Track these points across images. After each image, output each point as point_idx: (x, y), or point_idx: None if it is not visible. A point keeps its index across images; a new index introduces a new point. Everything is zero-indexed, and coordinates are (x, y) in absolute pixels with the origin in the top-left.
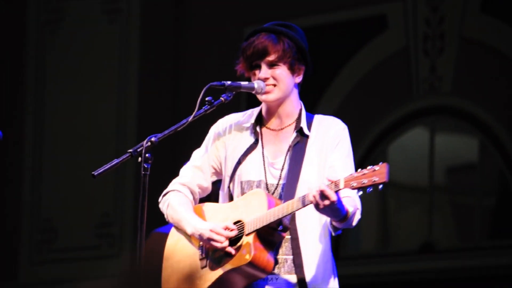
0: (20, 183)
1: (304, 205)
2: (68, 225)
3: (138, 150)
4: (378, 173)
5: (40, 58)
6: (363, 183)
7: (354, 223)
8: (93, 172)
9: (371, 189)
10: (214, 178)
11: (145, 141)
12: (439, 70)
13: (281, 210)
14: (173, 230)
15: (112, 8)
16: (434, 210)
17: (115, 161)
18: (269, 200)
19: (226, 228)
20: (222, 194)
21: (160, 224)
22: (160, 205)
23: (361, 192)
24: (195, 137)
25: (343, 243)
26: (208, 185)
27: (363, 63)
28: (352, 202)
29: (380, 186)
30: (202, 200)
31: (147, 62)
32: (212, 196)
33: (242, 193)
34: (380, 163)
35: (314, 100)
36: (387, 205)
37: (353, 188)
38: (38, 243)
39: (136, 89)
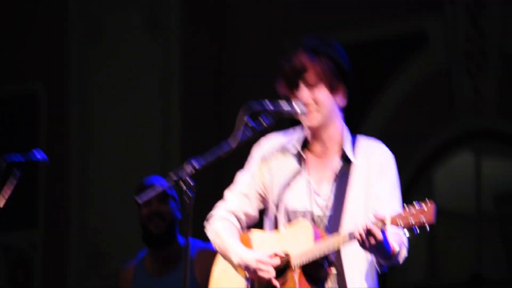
0: (68, 207)
1: (350, 242)
2: (116, 250)
3: (183, 177)
4: (426, 213)
5: (83, 73)
6: (411, 223)
7: (401, 261)
8: (137, 199)
9: (418, 230)
10: (262, 206)
11: (188, 167)
12: (482, 90)
13: (327, 246)
14: (220, 258)
15: (153, 24)
16: (483, 240)
17: (160, 188)
18: (315, 234)
19: (274, 255)
20: (268, 220)
21: None
22: (207, 231)
23: (407, 233)
24: (237, 156)
25: (390, 273)
26: (255, 213)
27: (402, 83)
28: (398, 239)
29: (428, 228)
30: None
31: (189, 78)
32: None
33: (288, 222)
34: (428, 203)
35: (355, 123)
36: (435, 234)
37: (399, 227)
38: (86, 268)
39: (179, 106)
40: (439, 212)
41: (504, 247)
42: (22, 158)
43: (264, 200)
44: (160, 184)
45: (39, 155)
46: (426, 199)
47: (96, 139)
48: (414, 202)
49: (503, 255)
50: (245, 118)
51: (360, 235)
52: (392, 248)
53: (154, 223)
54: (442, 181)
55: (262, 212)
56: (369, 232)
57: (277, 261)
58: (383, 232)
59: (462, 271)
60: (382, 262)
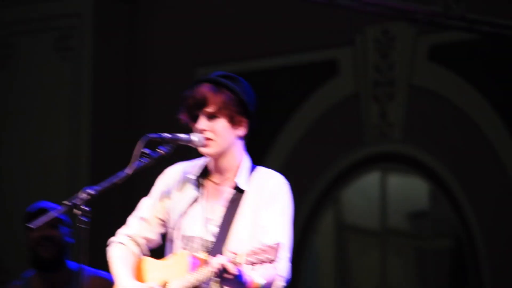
0: None
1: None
2: (18, 266)
3: (76, 202)
4: (272, 250)
5: None
6: (259, 259)
7: None
8: (29, 225)
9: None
10: (163, 230)
11: (82, 193)
12: (389, 116)
13: (197, 276)
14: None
15: (64, 46)
16: (388, 256)
17: (52, 213)
18: (193, 262)
19: None
20: (168, 245)
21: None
22: (107, 254)
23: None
24: (146, 183)
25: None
26: (156, 237)
27: (314, 108)
28: (270, 270)
29: (272, 264)
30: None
31: (99, 101)
32: None
33: (184, 248)
34: (277, 242)
35: (265, 147)
36: (344, 249)
37: (251, 264)
38: None
39: (89, 129)
40: (349, 228)
41: (410, 261)
42: None
43: (165, 224)
44: (52, 209)
45: None
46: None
47: (4, 161)
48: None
49: (410, 268)
50: (142, 148)
51: (217, 269)
52: (251, 283)
53: (44, 247)
54: (350, 200)
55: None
56: (223, 269)
57: None
58: (238, 268)
59: (370, 284)
60: None
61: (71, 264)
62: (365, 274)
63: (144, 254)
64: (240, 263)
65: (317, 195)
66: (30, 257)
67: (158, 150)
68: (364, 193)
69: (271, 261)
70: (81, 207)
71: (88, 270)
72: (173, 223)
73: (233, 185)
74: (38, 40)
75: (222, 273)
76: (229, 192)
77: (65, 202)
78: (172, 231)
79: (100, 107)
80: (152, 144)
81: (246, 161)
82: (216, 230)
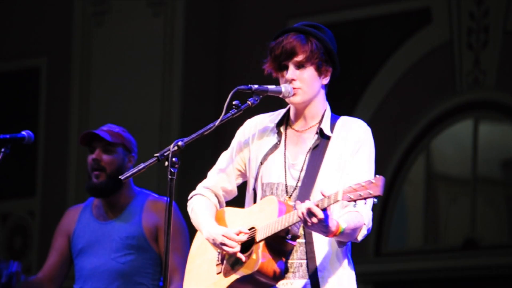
0: (65, 176)
1: (297, 220)
2: None
3: (165, 154)
4: (374, 185)
5: (86, 51)
6: (360, 196)
7: (359, 238)
8: (120, 177)
9: (369, 205)
10: (240, 181)
11: (171, 146)
12: (483, 64)
13: (287, 219)
14: (198, 233)
15: (157, 1)
16: (479, 204)
17: (142, 166)
18: (280, 208)
19: (239, 233)
20: (248, 195)
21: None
22: (188, 209)
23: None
24: (229, 139)
25: (386, 239)
26: (232, 188)
27: (407, 57)
28: (355, 218)
29: (375, 200)
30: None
31: (191, 56)
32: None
33: (264, 195)
34: (377, 176)
35: (357, 95)
36: (434, 199)
37: (350, 200)
38: None
39: (180, 83)
40: (439, 177)
41: (500, 212)
42: (6, 136)
43: (243, 175)
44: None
45: (24, 132)
46: (376, 175)
47: (96, 115)
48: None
49: (499, 219)
50: (231, 99)
51: (303, 213)
52: (336, 227)
53: (94, 173)
54: (441, 148)
55: (243, 187)
56: (309, 212)
57: (242, 237)
58: (325, 211)
59: (459, 236)
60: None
61: (136, 189)
62: (455, 223)
63: (221, 206)
64: (325, 207)
65: (408, 144)
66: (86, 184)
67: (248, 102)
68: (455, 142)
69: (374, 197)
70: (171, 159)
71: (149, 194)
72: (253, 172)
73: (317, 132)
74: None
75: (309, 217)
76: (313, 139)
77: (156, 154)
78: (252, 180)
79: (191, 60)
80: (242, 96)
81: (328, 109)
82: (298, 175)
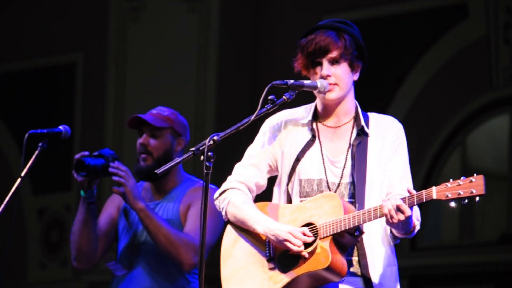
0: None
1: (380, 216)
2: None
3: (201, 148)
4: (475, 184)
5: (122, 47)
6: (459, 194)
7: (413, 234)
8: (156, 171)
9: (467, 201)
10: (269, 175)
11: (207, 140)
12: None
13: (361, 216)
14: (229, 228)
15: None
16: None
17: (177, 159)
18: (344, 205)
19: (303, 233)
20: (278, 191)
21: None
22: (217, 203)
23: (453, 204)
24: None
25: (421, 233)
26: (264, 182)
27: (443, 52)
28: (415, 214)
29: (477, 199)
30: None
31: (226, 51)
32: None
33: (301, 191)
34: (475, 175)
35: (393, 90)
36: None
37: (447, 199)
38: None
39: (215, 79)
40: (475, 172)
41: None
42: (44, 130)
43: (272, 170)
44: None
45: (61, 127)
46: (475, 174)
47: (131, 111)
48: (462, 177)
49: None
50: (267, 94)
51: (390, 210)
52: (413, 224)
53: (141, 157)
54: (477, 143)
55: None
56: (398, 209)
57: (309, 239)
58: (411, 208)
59: (494, 231)
60: (400, 236)
61: (185, 175)
62: (491, 218)
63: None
64: (430, 199)
65: (444, 139)
66: (134, 167)
67: (283, 97)
68: (491, 137)
69: (477, 196)
70: (207, 153)
71: (197, 181)
72: (287, 168)
73: (353, 128)
74: None
75: (396, 214)
76: (351, 135)
77: (191, 148)
78: (285, 176)
79: (226, 56)
80: (277, 91)
81: (358, 105)
82: (340, 172)
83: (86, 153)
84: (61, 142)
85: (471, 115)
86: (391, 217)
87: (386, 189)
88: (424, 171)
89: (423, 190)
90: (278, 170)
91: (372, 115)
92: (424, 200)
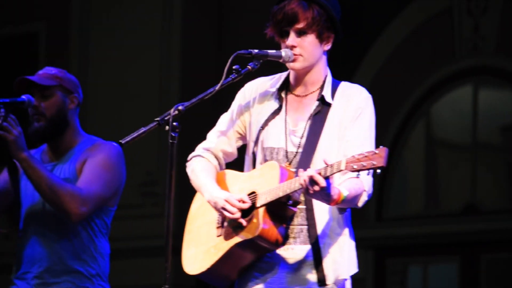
0: None
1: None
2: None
3: (166, 118)
4: (377, 156)
5: (85, 16)
6: (363, 166)
7: (359, 204)
8: (120, 141)
9: (370, 173)
10: (240, 143)
11: (172, 110)
12: (482, 30)
13: (289, 185)
14: (198, 194)
15: None
16: (478, 169)
17: (142, 129)
18: (282, 173)
19: (241, 200)
20: (247, 159)
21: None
22: (187, 169)
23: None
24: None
25: (386, 204)
26: (233, 150)
27: (406, 23)
28: (355, 185)
29: (378, 171)
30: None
31: (190, 20)
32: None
33: (264, 159)
34: (380, 147)
35: (357, 60)
36: (434, 165)
37: (353, 170)
38: None
39: (179, 48)
40: (439, 143)
41: (499, 177)
42: (7, 100)
43: (243, 138)
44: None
45: (24, 96)
46: (380, 146)
47: (95, 80)
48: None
49: (498, 184)
50: (231, 64)
51: (304, 181)
52: (338, 195)
53: (34, 117)
54: (441, 114)
55: (243, 150)
56: (311, 180)
57: (243, 205)
58: (327, 179)
59: (459, 201)
60: (323, 202)
61: (84, 135)
62: (455, 189)
63: (221, 168)
64: (328, 175)
65: (408, 109)
66: (28, 130)
67: (248, 67)
68: (455, 107)
69: (377, 168)
70: (171, 123)
71: (97, 140)
72: (253, 136)
73: (318, 98)
74: None
75: (311, 185)
76: (313, 105)
77: (156, 118)
78: (252, 144)
79: (190, 24)
80: (242, 60)
81: (329, 75)
82: (298, 141)
83: None
84: (24, 111)
85: (435, 86)
86: (307, 188)
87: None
88: (389, 142)
89: (335, 161)
90: (246, 137)
91: (342, 84)
92: (335, 172)
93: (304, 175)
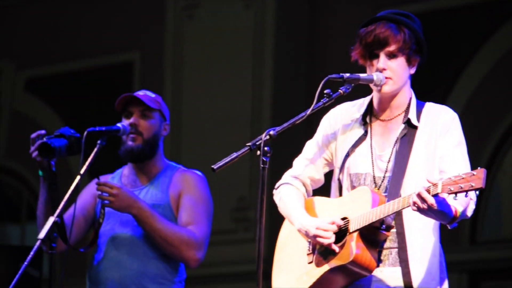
0: None
1: (404, 207)
2: None
3: (257, 143)
4: (475, 178)
5: (178, 45)
6: (461, 188)
7: (469, 214)
8: (213, 166)
9: (467, 195)
10: (327, 169)
11: (263, 135)
12: None
13: (382, 210)
14: (286, 222)
15: None
16: None
17: (234, 155)
18: (373, 198)
19: (333, 223)
20: (333, 185)
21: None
22: (274, 197)
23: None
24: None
25: (481, 226)
26: (320, 177)
27: (499, 45)
28: (465, 199)
29: (477, 193)
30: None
31: (281, 46)
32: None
33: (351, 185)
34: (478, 168)
35: (450, 83)
36: None
37: (450, 193)
38: None
39: (271, 74)
40: None
41: None
42: (102, 128)
43: (330, 164)
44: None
45: (120, 125)
46: (478, 167)
47: (188, 108)
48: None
49: None
50: (323, 88)
51: (414, 201)
52: (453, 210)
53: (131, 136)
54: None
55: (327, 176)
56: (420, 196)
57: (335, 228)
58: (438, 196)
59: None
60: (443, 223)
61: (165, 162)
62: None
63: (309, 195)
64: (436, 193)
65: (502, 133)
66: (121, 147)
67: (339, 91)
68: None
69: (475, 189)
70: (263, 148)
71: (180, 167)
72: (339, 162)
73: (404, 121)
74: None
75: (420, 203)
76: (399, 129)
77: (248, 143)
78: (337, 170)
79: (282, 50)
80: (333, 85)
81: (413, 97)
82: (385, 166)
83: (43, 132)
84: (119, 140)
85: None
86: (417, 206)
87: (439, 175)
88: (483, 164)
89: (433, 183)
90: (333, 164)
91: (427, 105)
92: (432, 195)
93: (413, 195)
